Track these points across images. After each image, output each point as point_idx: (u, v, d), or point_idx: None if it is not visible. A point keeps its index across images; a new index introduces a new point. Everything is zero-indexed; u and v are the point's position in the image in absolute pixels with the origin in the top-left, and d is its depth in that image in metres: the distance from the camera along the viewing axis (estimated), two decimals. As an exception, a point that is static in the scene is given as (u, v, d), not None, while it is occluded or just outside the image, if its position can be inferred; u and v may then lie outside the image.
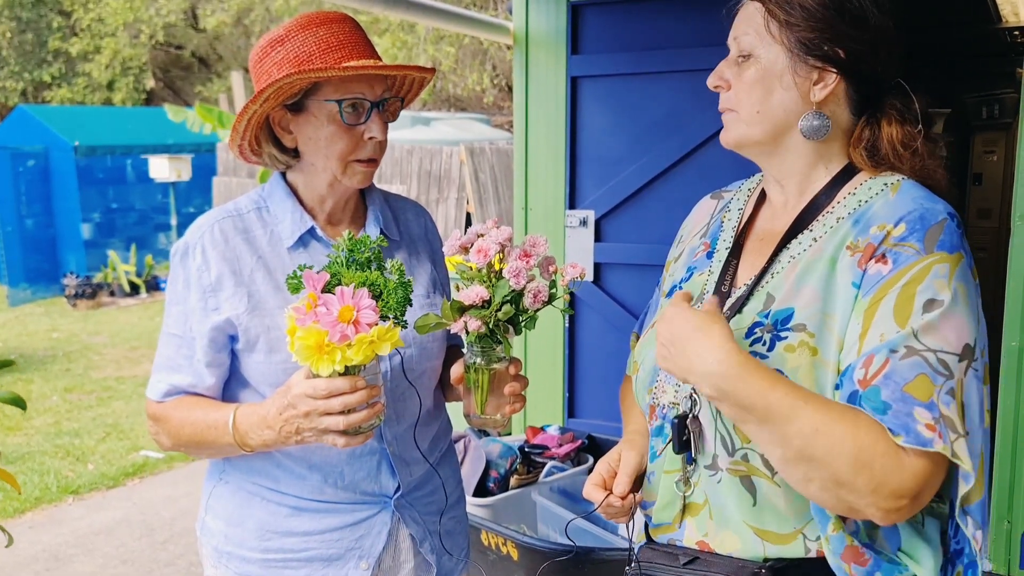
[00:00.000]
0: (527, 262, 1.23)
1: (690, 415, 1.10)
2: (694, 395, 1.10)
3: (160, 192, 10.77)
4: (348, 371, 1.15)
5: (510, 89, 15.65)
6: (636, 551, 1.20)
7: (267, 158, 1.37)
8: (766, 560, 1.06)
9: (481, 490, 2.53)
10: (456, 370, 1.32)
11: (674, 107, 3.63)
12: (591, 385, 3.97)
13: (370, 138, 1.31)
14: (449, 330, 1.25)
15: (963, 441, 0.94)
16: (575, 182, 3.92)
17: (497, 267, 1.23)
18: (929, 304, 0.97)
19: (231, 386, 1.38)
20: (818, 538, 1.04)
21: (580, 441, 2.89)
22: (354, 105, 1.29)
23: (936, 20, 5.35)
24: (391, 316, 1.15)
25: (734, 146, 1.16)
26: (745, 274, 1.17)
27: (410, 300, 1.17)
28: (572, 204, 3.92)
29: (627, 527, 1.23)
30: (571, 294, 1.28)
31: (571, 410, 4.00)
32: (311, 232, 1.36)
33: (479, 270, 1.23)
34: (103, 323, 8.84)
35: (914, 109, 1.11)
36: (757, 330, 1.08)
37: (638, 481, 1.21)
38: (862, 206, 1.09)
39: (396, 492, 1.40)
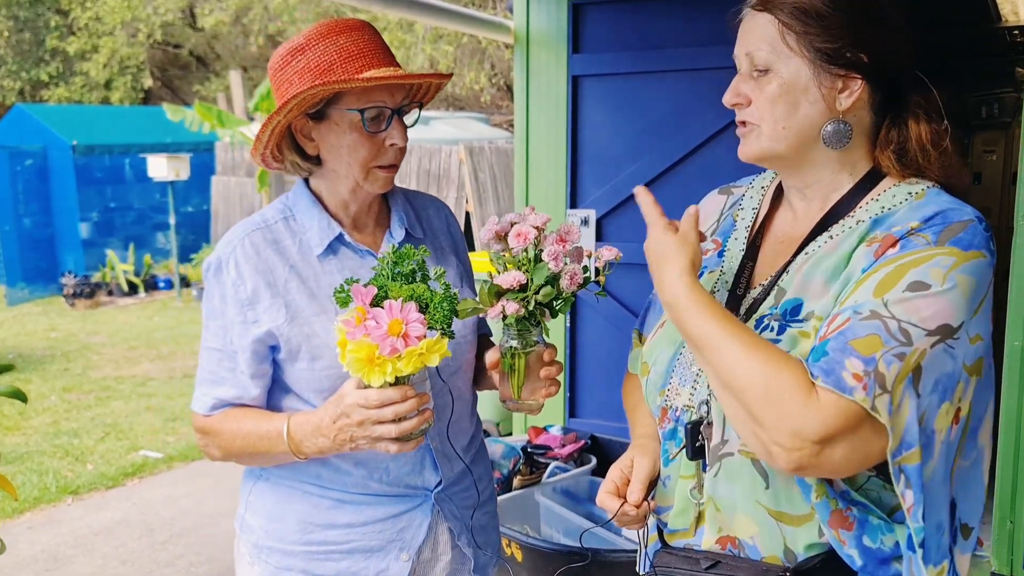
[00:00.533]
0: (563, 246, 1.26)
1: (704, 421, 1.08)
2: (709, 400, 1.09)
3: (158, 191, 10.75)
4: (398, 381, 1.19)
5: (509, 88, 15.63)
6: (651, 556, 1.18)
7: (289, 165, 1.40)
8: (786, 552, 1.04)
9: (484, 491, 2.53)
10: (492, 356, 1.36)
11: (675, 106, 3.62)
12: (593, 385, 3.96)
13: (391, 144, 1.33)
14: (484, 316, 1.29)
15: (886, 398, 0.92)
16: (576, 181, 3.91)
17: (533, 252, 1.27)
18: (915, 285, 0.95)
19: (274, 394, 1.40)
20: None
21: (583, 441, 2.89)
22: (377, 114, 1.31)
23: (937, 19, 5.35)
24: (438, 328, 1.19)
25: (755, 160, 1.13)
26: (761, 276, 1.16)
27: (456, 312, 1.21)
28: (573, 203, 3.91)
29: (639, 533, 1.22)
30: (596, 282, 1.32)
31: (572, 410, 4.00)
32: (339, 239, 1.38)
33: (514, 255, 1.27)
34: (101, 323, 8.82)
35: (937, 105, 1.09)
36: (766, 319, 1.08)
37: (651, 486, 1.20)
38: (884, 212, 1.07)
39: (437, 486, 1.43)
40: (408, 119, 1.36)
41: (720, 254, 1.23)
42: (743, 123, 1.12)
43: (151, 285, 10.46)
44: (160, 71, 19.65)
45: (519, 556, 2.08)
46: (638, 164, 3.73)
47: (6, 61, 18.07)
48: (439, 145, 10.38)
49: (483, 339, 1.55)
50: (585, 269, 1.29)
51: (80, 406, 6.00)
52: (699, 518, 1.12)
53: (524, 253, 1.26)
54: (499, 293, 1.26)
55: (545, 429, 2.98)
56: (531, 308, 1.25)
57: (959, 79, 6.63)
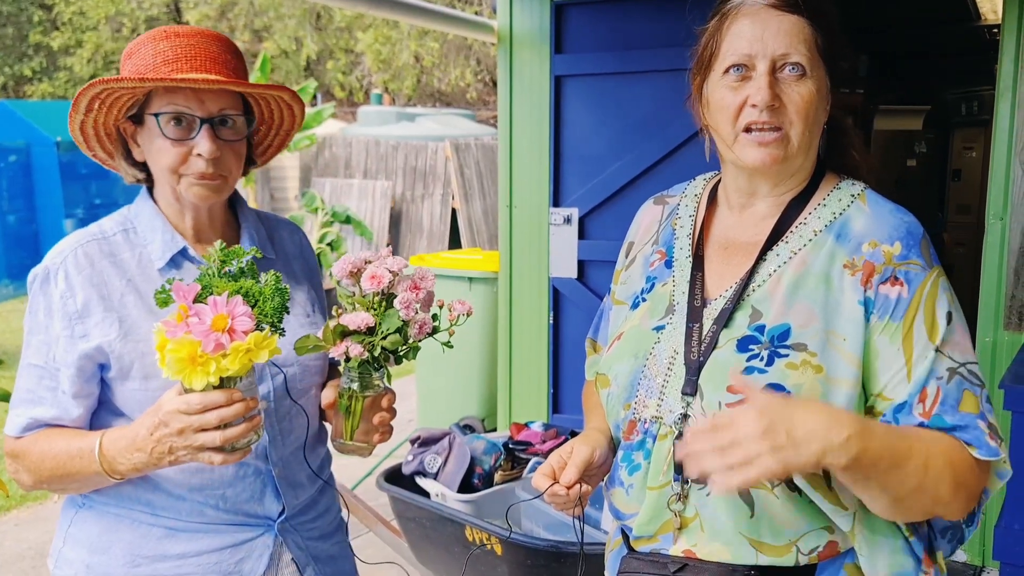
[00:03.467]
0: (416, 294, 1.22)
1: (687, 432, 1.07)
2: (687, 413, 1.09)
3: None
4: (223, 384, 1.10)
5: (494, 84, 15.65)
6: (620, 562, 1.19)
7: (122, 171, 1.34)
8: (755, 567, 1.07)
9: (466, 486, 2.57)
10: (329, 394, 1.31)
11: (656, 106, 3.67)
12: (575, 381, 4.01)
13: (197, 154, 1.24)
14: (328, 354, 1.24)
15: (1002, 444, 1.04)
16: (559, 180, 3.95)
17: (385, 296, 1.24)
18: (948, 317, 1.05)
19: (102, 416, 1.30)
20: (811, 551, 1.07)
21: (564, 437, 2.93)
22: (176, 118, 1.24)
23: (917, 17, 5.42)
24: (268, 323, 1.11)
25: (778, 167, 1.12)
26: (714, 283, 1.17)
27: (287, 307, 1.14)
28: (556, 202, 3.96)
29: (575, 524, 1.24)
30: (447, 332, 1.28)
31: (555, 406, 4.05)
32: (183, 252, 1.31)
33: (365, 296, 1.23)
34: (87, 320, 8.79)
35: (854, 105, 1.18)
36: (752, 346, 1.08)
37: (589, 473, 1.20)
38: (837, 218, 1.12)
39: (280, 515, 1.36)
40: (226, 133, 1.27)
41: (668, 264, 1.23)
42: (769, 127, 1.08)
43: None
44: (145, 66, 19.47)
45: (499, 550, 2.12)
46: (620, 163, 3.78)
47: (-11, 56, 17.92)
48: (425, 142, 10.40)
49: (335, 368, 1.42)
50: (435, 318, 1.25)
51: (66, 403, 5.99)
52: (680, 526, 1.11)
53: (375, 296, 1.23)
54: (344, 333, 1.21)
55: (527, 425, 3.03)
56: (376, 353, 1.22)
57: (939, 76, 6.71)
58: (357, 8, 3.68)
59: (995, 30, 5.92)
